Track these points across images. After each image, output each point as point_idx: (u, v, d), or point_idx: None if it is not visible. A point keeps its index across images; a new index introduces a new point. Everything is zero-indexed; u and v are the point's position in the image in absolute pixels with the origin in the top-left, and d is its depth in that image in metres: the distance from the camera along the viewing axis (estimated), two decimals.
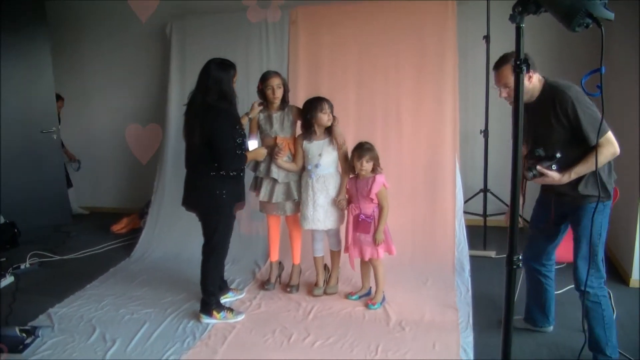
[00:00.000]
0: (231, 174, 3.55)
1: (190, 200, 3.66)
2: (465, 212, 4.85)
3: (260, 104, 3.93)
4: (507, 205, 5.23)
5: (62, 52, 6.39)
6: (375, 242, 3.71)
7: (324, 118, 3.78)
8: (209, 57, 3.72)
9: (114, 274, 4.73)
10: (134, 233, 5.64)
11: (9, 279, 4.67)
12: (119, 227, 5.98)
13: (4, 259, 5.14)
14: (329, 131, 3.85)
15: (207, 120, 3.40)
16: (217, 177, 3.51)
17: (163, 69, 5.86)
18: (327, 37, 5.05)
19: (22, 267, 4.95)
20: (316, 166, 3.84)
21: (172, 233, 5.18)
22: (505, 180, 5.02)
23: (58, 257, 5.15)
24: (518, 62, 1.63)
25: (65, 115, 6.46)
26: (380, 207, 3.72)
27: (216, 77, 3.41)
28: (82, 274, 4.69)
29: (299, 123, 4.02)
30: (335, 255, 4.06)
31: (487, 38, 4.69)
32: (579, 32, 1.52)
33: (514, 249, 1.78)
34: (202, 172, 3.54)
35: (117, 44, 6.30)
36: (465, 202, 4.99)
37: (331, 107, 3.82)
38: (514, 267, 1.78)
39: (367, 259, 3.82)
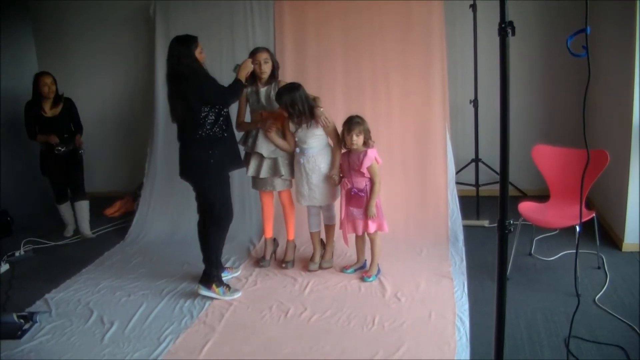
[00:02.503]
0: (218, 135, 3.61)
1: (183, 169, 3.72)
2: (457, 183, 4.85)
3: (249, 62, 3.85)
4: (498, 174, 5.24)
5: (46, 35, 6.29)
6: (367, 216, 3.71)
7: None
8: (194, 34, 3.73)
9: (109, 258, 4.73)
10: (128, 216, 5.62)
11: (4, 267, 4.65)
12: (112, 211, 5.96)
13: None
14: (301, 120, 3.80)
15: (185, 85, 3.50)
16: (202, 141, 3.58)
17: (149, 49, 5.78)
18: (313, 14, 4.98)
19: (17, 254, 4.93)
20: (304, 152, 3.85)
21: (165, 214, 5.18)
22: (496, 150, 5.07)
23: (52, 243, 5.12)
24: (503, 25, 1.60)
25: None
26: (372, 182, 3.72)
27: (177, 53, 3.52)
28: (77, 259, 4.68)
29: None
30: (329, 229, 4.08)
31: (473, 7, 4.65)
32: None
33: (505, 214, 1.78)
34: (188, 139, 3.63)
35: (100, 25, 6.18)
36: (457, 172, 4.98)
37: (284, 102, 3.75)
38: (506, 231, 1.78)
39: (360, 233, 3.85)
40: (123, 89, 6.33)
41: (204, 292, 3.71)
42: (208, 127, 3.57)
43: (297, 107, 3.72)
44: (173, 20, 5.40)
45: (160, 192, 5.28)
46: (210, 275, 3.72)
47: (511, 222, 1.77)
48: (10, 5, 5.56)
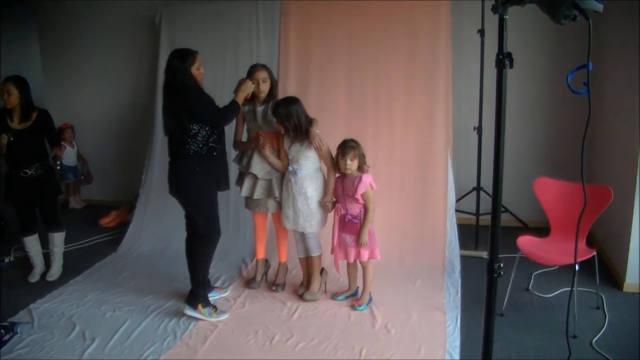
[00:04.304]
0: (205, 153, 3.54)
1: (171, 185, 3.66)
2: (457, 211, 4.74)
3: (243, 80, 3.77)
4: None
5: (50, 41, 6.27)
6: (358, 244, 3.61)
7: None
8: (198, 46, 3.64)
9: (99, 269, 4.65)
10: (123, 226, 5.53)
11: None
12: (107, 221, 5.88)
13: None
14: (297, 137, 3.68)
15: (177, 100, 3.46)
16: (189, 158, 3.52)
17: (152, 58, 5.74)
18: (318, 30, 4.93)
19: (7, 260, 4.88)
20: (295, 172, 3.73)
21: (159, 227, 5.09)
22: None
23: (44, 251, 5.01)
24: (500, 57, 1.52)
25: (52, 105, 6.24)
26: (366, 208, 3.61)
27: (173, 66, 3.46)
28: (67, 269, 4.59)
29: None
30: (314, 260, 3.89)
31: (481, 32, 4.57)
32: (565, 24, 1.42)
33: (496, 255, 1.69)
34: (176, 154, 3.59)
35: (106, 33, 6.16)
36: (458, 200, 4.88)
37: (281, 115, 3.62)
38: (495, 275, 1.67)
39: (351, 260, 3.73)
40: (125, 97, 6.28)
41: (189, 312, 3.61)
42: (197, 144, 3.50)
43: (292, 120, 3.60)
44: (178, 29, 5.37)
45: (156, 204, 5.20)
46: (197, 295, 3.62)
47: (501, 265, 1.67)
48: (17, 9, 5.54)
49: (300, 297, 3.91)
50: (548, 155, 5.31)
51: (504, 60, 1.54)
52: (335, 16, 4.88)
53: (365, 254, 3.63)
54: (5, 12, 5.52)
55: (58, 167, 4.50)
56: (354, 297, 3.86)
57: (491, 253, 1.66)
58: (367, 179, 3.56)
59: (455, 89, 4.88)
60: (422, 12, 4.71)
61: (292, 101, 3.66)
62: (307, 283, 3.98)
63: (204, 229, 3.61)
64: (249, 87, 3.70)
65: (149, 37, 5.87)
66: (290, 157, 3.77)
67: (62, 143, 6.05)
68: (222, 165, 3.72)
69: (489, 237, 1.68)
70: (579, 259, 3.36)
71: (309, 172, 3.73)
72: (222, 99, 3.84)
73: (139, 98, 6.16)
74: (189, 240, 3.69)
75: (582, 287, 3.87)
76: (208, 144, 3.53)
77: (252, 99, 3.84)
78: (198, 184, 3.55)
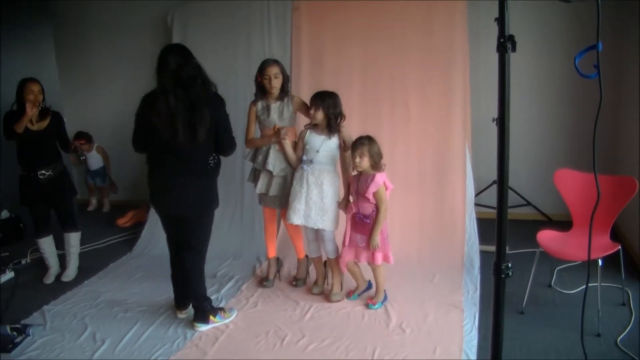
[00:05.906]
0: (215, 167, 3.36)
1: (179, 204, 3.29)
2: (477, 205, 4.59)
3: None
4: (522, 197, 4.98)
5: (65, 42, 6.28)
6: (369, 247, 3.48)
7: (310, 115, 3.62)
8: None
9: (113, 269, 4.63)
10: (139, 227, 5.50)
11: (8, 275, 4.59)
12: (124, 221, 5.88)
13: (7, 253, 5.07)
14: (331, 128, 3.59)
15: (206, 112, 3.11)
16: (207, 179, 3.31)
17: None
18: (331, 25, 4.84)
19: (23, 262, 4.88)
20: (311, 161, 3.62)
21: None
22: (519, 171, 4.77)
23: (60, 252, 4.99)
24: (502, 40, 1.40)
25: (69, 106, 6.26)
26: (377, 209, 3.46)
27: (193, 63, 3.15)
28: (82, 269, 4.58)
29: (299, 114, 3.88)
30: (332, 262, 3.78)
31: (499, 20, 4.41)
32: (573, 2, 1.30)
33: (503, 255, 1.57)
34: (193, 170, 3.25)
35: (118, 33, 6.18)
36: (477, 194, 4.73)
37: (327, 103, 3.56)
38: (502, 276, 1.55)
39: (362, 262, 3.59)
40: (139, 96, 6.24)
41: (204, 328, 3.45)
42: (214, 158, 3.31)
43: (337, 110, 3.57)
44: (190, 28, 5.33)
45: None
46: (204, 310, 3.47)
47: (509, 265, 1.55)
48: (33, 15, 5.55)
49: (314, 294, 3.84)
50: (573, 146, 5.13)
51: (505, 43, 1.42)
52: (348, 11, 4.78)
53: (378, 258, 3.50)
54: (21, 16, 5.52)
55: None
56: (368, 291, 3.76)
57: (498, 252, 1.54)
58: (380, 178, 3.41)
59: (474, 80, 4.73)
60: (438, 5, 4.58)
61: (335, 94, 3.61)
62: (321, 282, 3.89)
63: (202, 245, 3.45)
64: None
65: (162, 35, 5.83)
66: (308, 146, 3.65)
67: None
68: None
69: (496, 235, 1.56)
70: (603, 254, 3.21)
71: (327, 165, 3.63)
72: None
73: None
74: (188, 257, 3.42)
75: (607, 283, 3.69)
76: (218, 156, 3.37)
77: (265, 95, 3.75)
78: (212, 208, 3.39)
